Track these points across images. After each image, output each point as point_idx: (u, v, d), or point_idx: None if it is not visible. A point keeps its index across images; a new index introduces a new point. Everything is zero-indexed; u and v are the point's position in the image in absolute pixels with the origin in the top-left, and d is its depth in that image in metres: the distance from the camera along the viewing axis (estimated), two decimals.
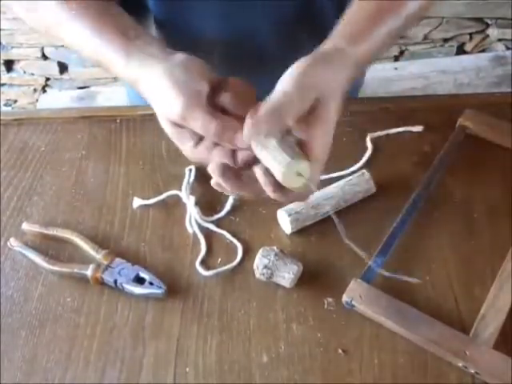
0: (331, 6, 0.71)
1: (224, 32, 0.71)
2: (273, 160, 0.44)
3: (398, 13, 0.55)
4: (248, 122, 0.44)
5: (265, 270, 0.56)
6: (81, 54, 0.56)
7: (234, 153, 0.47)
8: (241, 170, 0.48)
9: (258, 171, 0.47)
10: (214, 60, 0.72)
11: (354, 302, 0.55)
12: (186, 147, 0.48)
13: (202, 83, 0.46)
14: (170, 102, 0.46)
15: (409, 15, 0.56)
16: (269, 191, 0.47)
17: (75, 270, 0.59)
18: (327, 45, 0.51)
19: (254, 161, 0.47)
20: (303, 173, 0.44)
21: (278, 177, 0.44)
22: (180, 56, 0.48)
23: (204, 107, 0.46)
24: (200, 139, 0.47)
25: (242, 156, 0.47)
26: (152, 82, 0.48)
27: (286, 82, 0.45)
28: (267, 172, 0.46)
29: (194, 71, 0.47)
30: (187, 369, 0.53)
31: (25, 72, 1.82)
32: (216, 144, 0.47)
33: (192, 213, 0.64)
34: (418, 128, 0.71)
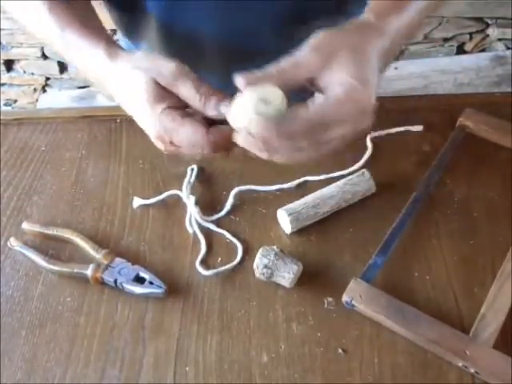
0: (330, 6, 0.71)
1: (221, 32, 0.71)
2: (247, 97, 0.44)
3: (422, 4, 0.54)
4: (248, 76, 0.44)
5: (265, 270, 0.56)
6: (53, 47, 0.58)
7: (206, 128, 0.48)
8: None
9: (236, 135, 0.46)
10: (212, 59, 0.72)
11: (353, 302, 0.55)
12: (157, 109, 0.48)
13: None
14: (162, 62, 0.48)
15: (433, 7, 0.56)
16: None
17: (75, 270, 0.59)
18: (355, 20, 0.50)
19: (228, 141, 0.47)
20: (274, 99, 0.43)
21: (249, 105, 0.43)
22: None
23: (193, 73, 0.47)
24: (175, 106, 0.48)
25: (215, 130, 0.48)
26: (137, 55, 0.50)
27: (299, 50, 0.46)
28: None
29: None
30: (187, 368, 0.53)
31: (25, 72, 1.83)
32: (189, 115, 0.48)
33: (192, 212, 0.64)
34: (418, 128, 0.71)
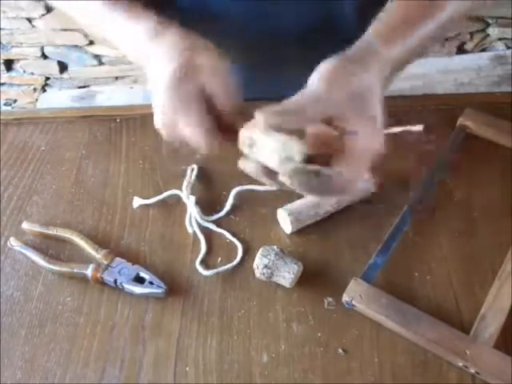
0: (355, 18, 0.71)
1: (246, 33, 0.71)
2: (266, 148, 0.44)
3: (435, 16, 0.53)
4: (259, 113, 0.43)
5: (265, 270, 0.56)
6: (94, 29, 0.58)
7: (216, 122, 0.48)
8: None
9: (247, 163, 0.46)
10: (234, 59, 0.72)
11: (354, 302, 0.55)
12: (175, 89, 0.47)
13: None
14: (207, 47, 0.48)
15: (447, 18, 0.54)
16: (266, 181, 0.46)
17: (75, 270, 0.59)
18: (359, 44, 0.49)
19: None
20: (295, 156, 0.43)
21: (275, 162, 0.43)
22: None
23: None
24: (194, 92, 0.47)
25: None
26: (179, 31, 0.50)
27: (314, 80, 0.45)
28: (259, 165, 0.45)
29: None
30: (187, 368, 0.53)
31: (25, 71, 1.83)
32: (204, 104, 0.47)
33: (192, 212, 0.64)
34: (418, 128, 0.71)
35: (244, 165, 0.46)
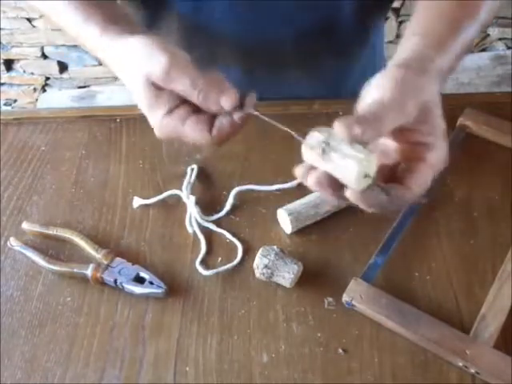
0: (353, 20, 0.71)
1: (245, 38, 0.71)
2: (343, 159, 0.40)
3: (475, 20, 0.53)
4: (340, 123, 0.40)
5: (265, 270, 0.56)
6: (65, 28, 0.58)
7: (210, 123, 0.46)
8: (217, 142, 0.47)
9: (311, 171, 0.42)
10: (231, 57, 0.72)
11: (354, 302, 0.55)
12: (158, 116, 0.47)
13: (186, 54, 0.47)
14: (154, 57, 0.45)
15: (482, 21, 0.54)
16: (327, 194, 0.43)
17: (75, 270, 0.59)
18: (414, 52, 0.47)
19: (232, 132, 0.46)
20: (372, 173, 0.41)
21: (351, 177, 0.40)
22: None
23: (191, 64, 0.45)
24: (175, 107, 0.46)
25: (219, 125, 0.46)
26: (131, 42, 0.48)
27: (383, 89, 0.43)
28: (326, 175, 0.42)
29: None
30: (187, 368, 0.53)
31: (25, 71, 1.83)
32: (190, 113, 0.46)
33: (192, 212, 0.64)
34: None
35: (305, 173, 0.43)
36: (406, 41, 0.49)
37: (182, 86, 0.45)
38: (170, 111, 0.47)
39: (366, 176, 0.41)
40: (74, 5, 0.54)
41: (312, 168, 0.42)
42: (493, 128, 0.70)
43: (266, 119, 0.46)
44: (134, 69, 0.47)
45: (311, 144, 0.41)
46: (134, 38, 0.48)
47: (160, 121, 0.47)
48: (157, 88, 0.47)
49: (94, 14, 0.53)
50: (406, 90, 0.43)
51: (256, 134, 0.70)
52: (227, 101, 0.45)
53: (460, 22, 0.51)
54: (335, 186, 0.42)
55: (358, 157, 0.40)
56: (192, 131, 0.47)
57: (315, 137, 0.41)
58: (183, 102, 0.47)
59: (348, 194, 0.42)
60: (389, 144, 0.46)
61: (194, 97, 0.46)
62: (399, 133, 0.44)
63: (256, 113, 0.46)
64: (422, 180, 0.44)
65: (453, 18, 0.51)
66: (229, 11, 0.69)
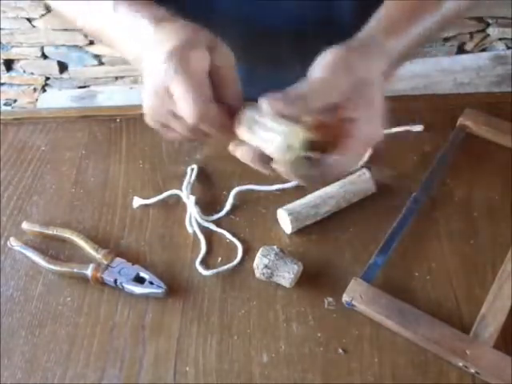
0: (353, 17, 0.71)
1: (246, 34, 0.71)
2: (266, 132, 0.43)
3: (434, 12, 0.54)
4: (265, 99, 0.43)
5: (265, 270, 0.56)
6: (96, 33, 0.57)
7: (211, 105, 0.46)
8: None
9: (241, 146, 0.45)
10: (232, 47, 0.72)
11: (354, 302, 0.55)
12: (186, 50, 0.45)
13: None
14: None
15: (445, 16, 0.55)
16: (258, 167, 0.46)
17: (75, 270, 0.59)
18: (361, 36, 0.50)
19: (216, 126, 0.46)
20: (297, 144, 0.42)
21: (274, 148, 0.43)
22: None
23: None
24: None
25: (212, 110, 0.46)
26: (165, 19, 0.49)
27: (318, 68, 0.45)
28: (254, 148, 0.44)
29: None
30: (187, 368, 0.53)
31: (25, 71, 1.82)
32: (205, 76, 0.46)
33: (192, 212, 0.64)
34: (418, 128, 0.71)
35: (236, 148, 0.46)
36: (365, 26, 0.51)
37: (227, 63, 0.47)
38: (195, 60, 0.45)
39: (291, 147, 0.42)
40: None
41: (242, 143, 0.45)
42: (493, 128, 0.70)
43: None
44: (191, 28, 0.47)
45: (241, 120, 0.45)
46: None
47: (180, 56, 0.45)
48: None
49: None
50: (339, 68, 0.45)
51: None
52: (236, 95, 0.47)
53: (417, 11, 0.53)
54: (263, 158, 0.44)
55: (279, 129, 0.42)
56: (192, 86, 0.45)
57: (245, 113, 0.45)
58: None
59: (275, 165, 0.44)
60: (323, 118, 0.47)
61: (228, 81, 0.47)
62: (331, 109, 0.45)
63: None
64: (351, 151, 0.45)
65: (411, 7, 0.53)
66: (230, 6, 0.69)
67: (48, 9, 1.61)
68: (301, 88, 0.44)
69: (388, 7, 0.53)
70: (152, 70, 0.47)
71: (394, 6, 0.53)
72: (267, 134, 0.43)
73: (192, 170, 0.68)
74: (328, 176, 0.45)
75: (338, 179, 0.49)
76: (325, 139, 0.45)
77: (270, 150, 0.43)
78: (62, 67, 1.81)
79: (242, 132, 0.45)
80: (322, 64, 0.45)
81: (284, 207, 0.62)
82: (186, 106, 0.45)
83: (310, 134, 0.43)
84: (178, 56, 0.45)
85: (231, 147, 0.46)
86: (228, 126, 0.47)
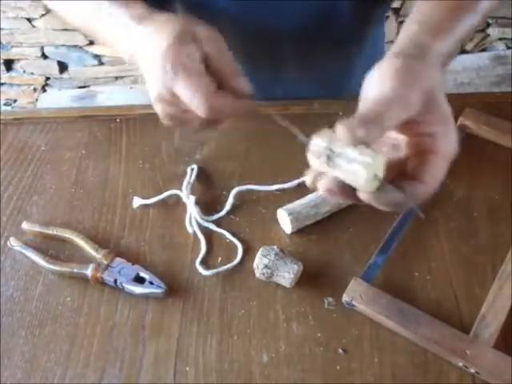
0: (351, 17, 0.71)
1: (246, 35, 0.71)
2: (350, 164, 0.39)
3: (475, 10, 0.53)
4: (342, 127, 0.39)
5: (265, 270, 0.56)
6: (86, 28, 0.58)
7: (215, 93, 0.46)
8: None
9: (322, 178, 0.41)
10: (232, 48, 0.72)
11: (354, 302, 0.55)
12: (176, 49, 0.46)
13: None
14: (200, 23, 0.47)
15: (484, 13, 0.54)
16: (340, 199, 0.42)
17: (75, 270, 0.59)
18: (411, 39, 0.46)
19: (229, 110, 0.46)
20: (379, 173, 0.40)
21: (361, 181, 0.39)
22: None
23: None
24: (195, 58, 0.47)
25: (222, 96, 0.46)
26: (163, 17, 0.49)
27: (383, 81, 0.41)
28: (336, 181, 0.41)
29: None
30: (187, 368, 0.53)
31: (25, 71, 1.83)
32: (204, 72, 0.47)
33: (192, 212, 0.64)
34: None
35: (316, 180, 0.42)
36: (405, 29, 0.48)
37: (219, 48, 0.47)
38: (188, 56, 0.46)
39: (376, 177, 0.40)
40: None
41: (321, 174, 0.41)
42: (493, 128, 0.70)
43: (278, 119, 0.46)
44: (176, 22, 0.47)
45: (315, 152, 0.41)
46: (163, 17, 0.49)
47: (174, 56, 0.45)
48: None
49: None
50: (408, 79, 0.41)
51: (256, 134, 0.70)
52: (244, 83, 0.46)
53: (459, 10, 0.51)
54: (347, 190, 0.41)
55: (365, 161, 0.39)
56: (195, 83, 0.45)
57: (318, 143, 0.41)
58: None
59: (361, 196, 0.41)
60: (398, 138, 0.44)
61: (224, 64, 0.47)
62: (406, 126, 0.42)
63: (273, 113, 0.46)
64: (435, 171, 0.42)
65: (452, 6, 0.51)
66: (230, 6, 0.69)
67: (48, 9, 1.61)
68: (373, 107, 0.40)
69: (427, 8, 0.50)
70: (153, 78, 0.47)
71: (434, 6, 0.50)
72: (350, 166, 0.39)
73: (192, 170, 0.68)
74: (415, 199, 0.42)
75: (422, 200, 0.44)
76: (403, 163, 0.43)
77: (355, 182, 0.40)
78: (62, 67, 1.82)
79: (319, 165, 0.41)
80: (383, 76, 0.42)
81: (284, 207, 0.62)
82: (195, 104, 0.46)
83: (386, 161, 0.40)
84: (171, 58, 0.45)
85: (308, 181, 0.42)
86: (241, 107, 0.47)
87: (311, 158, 0.41)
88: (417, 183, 0.42)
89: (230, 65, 0.48)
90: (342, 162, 0.40)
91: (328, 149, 0.40)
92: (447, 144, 0.43)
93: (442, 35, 0.47)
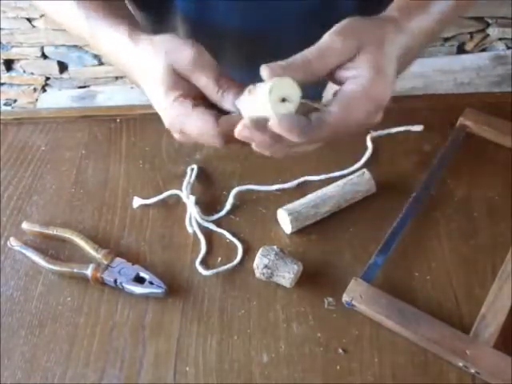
0: (354, 7, 0.71)
1: (245, 29, 0.71)
2: (257, 88, 0.42)
3: None
4: (265, 67, 0.42)
5: (265, 270, 0.56)
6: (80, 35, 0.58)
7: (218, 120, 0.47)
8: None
9: (243, 123, 0.44)
10: (235, 56, 0.72)
11: (354, 302, 0.55)
12: (170, 97, 0.47)
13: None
14: (182, 48, 0.47)
15: (460, 4, 0.55)
16: (258, 139, 0.44)
17: (75, 270, 0.59)
18: (378, 15, 0.50)
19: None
20: (290, 97, 0.41)
21: (264, 100, 0.41)
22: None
23: (215, 62, 0.47)
24: (189, 96, 0.47)
25: (227, 118, 0.46)
26: (157, 38, 0.49)
27: (326, 35, 0.45)
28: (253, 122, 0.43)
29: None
30: (187, 368, 0.53)
31: (25, 71, 1.82)
32: (202, 104, 0.47)
33: (192, 212, 0.64)
34: (418, 127, 0.71)
35: (239, 127, 0.44)
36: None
37: (205, 80, 0.46)
38: (184, 97, 0.47)
39: (284, 100, 0.41)
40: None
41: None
42: (493, 128, 0.70)
43: None
44: (160, 57, 0.47)
45: (245, 91, 0.44)
46: (159, 36, 0.49)
47: (171, 103, 0.47)
48: (178, 76, 0.47)
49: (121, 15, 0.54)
50: (343, 34, 0.45)
51: None
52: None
53: (430, 4, 0.52)
54: (260, 124, 0.42)
55: (268, 84, 0.40)
56: (198, 119, 0.46)
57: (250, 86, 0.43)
58: (198, 96, 0.48)
59: (270, 123, 0.41)
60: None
61: (214, 92, 0.47)
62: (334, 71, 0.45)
63: None
64: (347, 104, 0.44)
65: None
66: (232, 10, 0.69)
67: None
68: (304, 55, 0.44)
69: None
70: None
71: None
72: (258, 90, 0.42)
73: (192, 170, 0.68)
74: (324, 129, 0.43)
75: (351, 136, 0.46)
76: None
77: (262, 107, 0.41)
78: (62, 67, 1.81)
79: (242, 100, 0.44)
80: (332, 31, 0.45)
81: (284, 207, 0.62)
82: (208, 141, 0.47)
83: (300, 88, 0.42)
84: (168, 118, 0.48)
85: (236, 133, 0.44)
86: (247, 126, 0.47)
87: (243, 97, 0.44)
88: (326, 111, 0.43)
89: (217, 90, 0.47)
90: (257, 93, 0.42)
91: (252, 85, 0.43)
92: (374, 86, 0.44)
93: (411, 14, 0.50)
